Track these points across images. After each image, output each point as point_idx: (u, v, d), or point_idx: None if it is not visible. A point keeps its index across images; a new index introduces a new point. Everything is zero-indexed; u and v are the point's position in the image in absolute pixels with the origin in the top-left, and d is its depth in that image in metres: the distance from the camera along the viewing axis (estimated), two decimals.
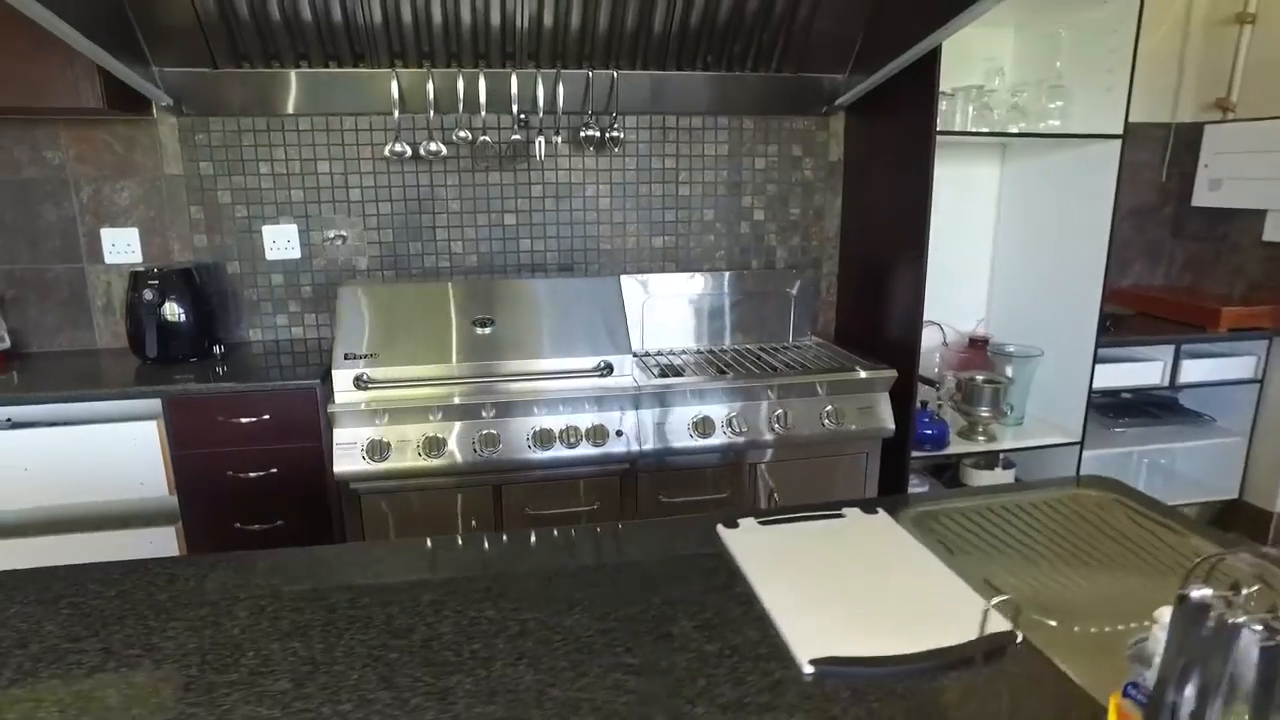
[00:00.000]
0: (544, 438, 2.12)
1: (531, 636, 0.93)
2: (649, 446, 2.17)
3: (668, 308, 2.64)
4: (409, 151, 2.39)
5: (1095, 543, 1.16)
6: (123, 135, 2.41)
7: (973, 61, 2.66)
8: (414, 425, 2.10)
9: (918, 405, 2.46)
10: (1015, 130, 2.55)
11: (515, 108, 2.39)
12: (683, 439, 2.19)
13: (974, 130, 2.50)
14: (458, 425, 2.12)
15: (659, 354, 2.59)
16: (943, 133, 2.39)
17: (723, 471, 2.26)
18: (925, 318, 2.37)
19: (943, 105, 2.46)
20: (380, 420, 2.08)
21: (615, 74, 2.41)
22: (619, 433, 2.18)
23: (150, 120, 2.41)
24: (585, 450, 2.14)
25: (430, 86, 2.31)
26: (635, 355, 2.55)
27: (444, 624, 0.95)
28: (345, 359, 2.09)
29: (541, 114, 2.43)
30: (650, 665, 0.87)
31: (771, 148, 2.71)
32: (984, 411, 2.54)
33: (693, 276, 2.64)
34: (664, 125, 2.64)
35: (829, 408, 2.25)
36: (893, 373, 2.29)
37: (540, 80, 2.36)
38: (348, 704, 0.81)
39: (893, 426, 2.30)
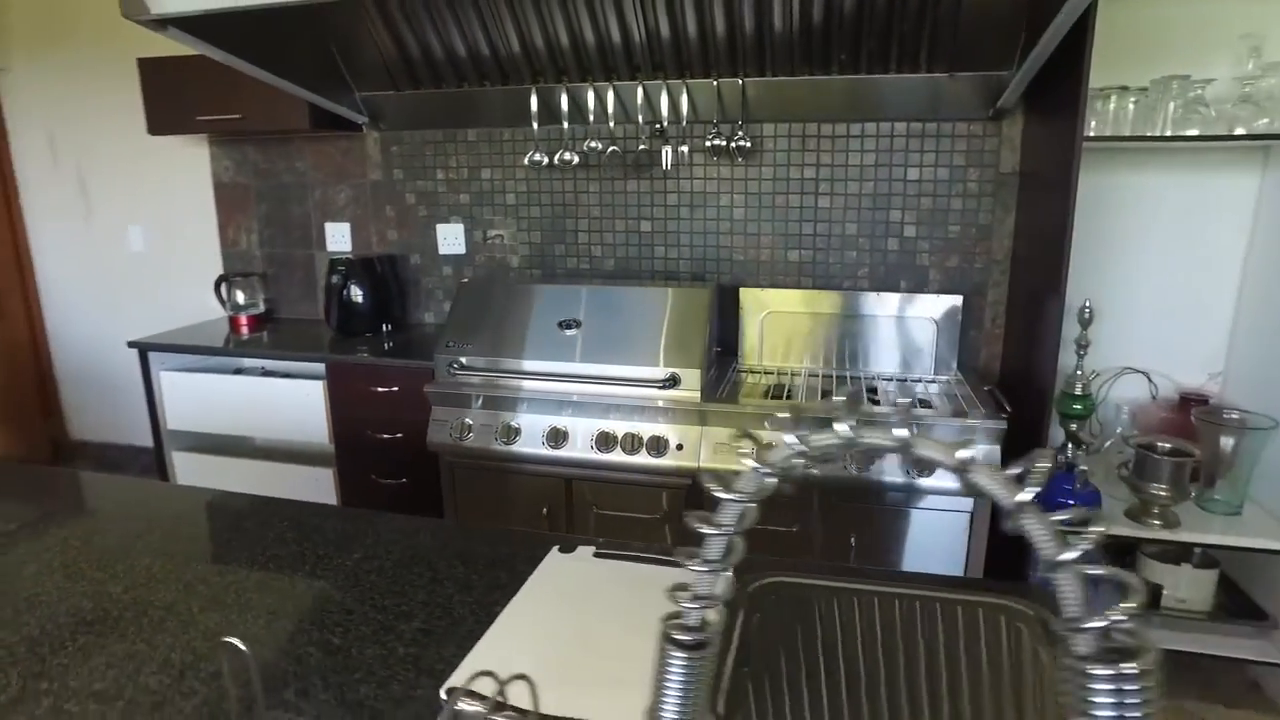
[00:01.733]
0: (606, 441, 2.17)
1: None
2: (708, 465, 2.10)
3: (792, 324, 2.50)
4: (545, 160, 2.57)
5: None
6: (343, 148, 2.94)
7: (1221, 43, 2.10)
8: (494, 412, 2.28)
9: (1058, 465, 2.04)
10: (1257, 130, 1.96)
11: (640, 119, 2.45)
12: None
13: (1166, 135, 1.99)
14: (532, 418, 2.25)
15: (771, 371, 2.46)
16: (1123, 139, 1.95)
17: (793, 508, 2.10)
18: (1134, 364, 1.98)
19: (1129, 103, 2.00)
20: (468, 404, 2.29)
21: (742, 81, 2.34)
22: (679, 446, 2.14)
23: (360, 136, 2.90)
24: (644, 459, 2.14)
25: (564, 100, 2.46)
26: (742, 370, 2.46)
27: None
28: (447, 347, 2.34)
29: (665, 123, 2.45)
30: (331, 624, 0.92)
31: (928, 156, 2.42)
32: (1159, 490, 2.01)
33: (826, 294, 2.46)
34: (804, 133, 2.49)
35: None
36: (999, 423, 1.93)
37: (666, 91, 2.39)
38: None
39: None
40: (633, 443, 2.16)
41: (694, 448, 2.13)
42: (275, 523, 1.27)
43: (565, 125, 2.51)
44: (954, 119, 2.37)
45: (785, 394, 2.22)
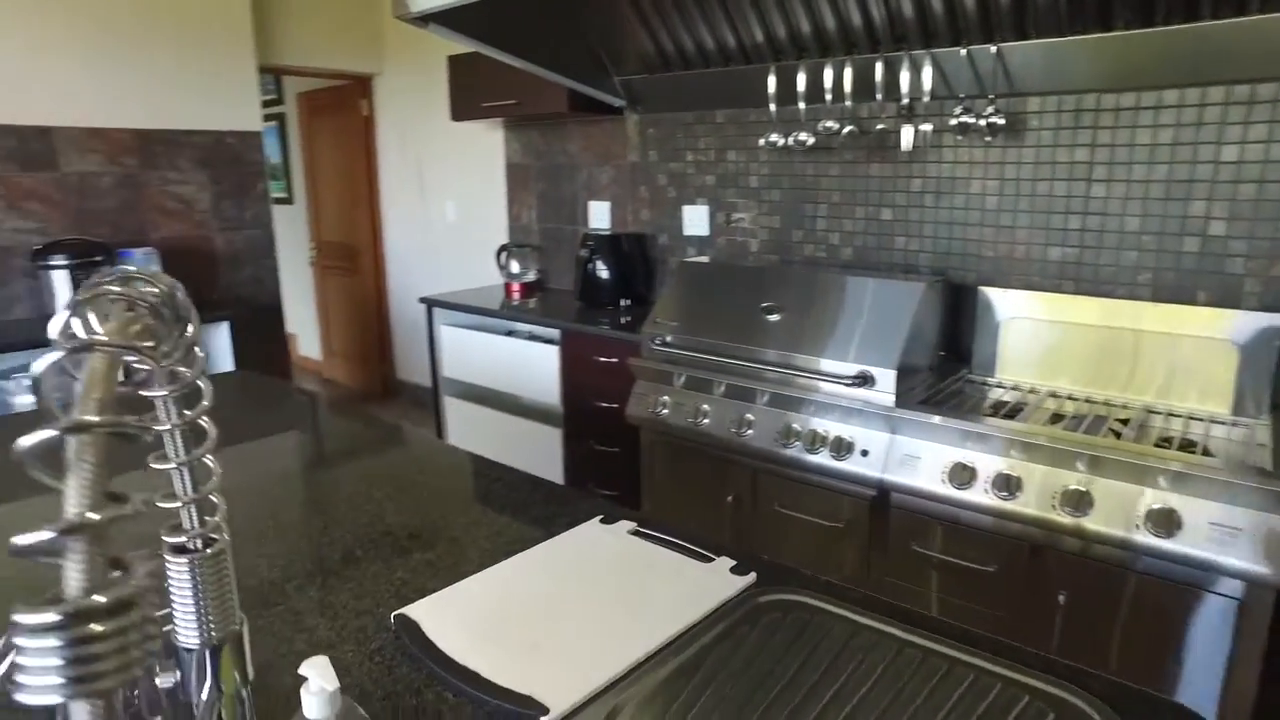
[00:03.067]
0: (789, 434, 2.06)
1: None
2: (893, 478, 1.89)
3: (1043, 334, 2.12)
4: (781, 141, 2.48)
5: None
6: (607, 130, 3.13)
7: None
8: (690, 391, 2.29)
9: None
10: None
11: (880, 95, 2.25)
12: (934, 482, 1.83)
13: None
14: (723, 402, 2.22)
15: (1005, 385, 2.13)
16: None
17: (995, 545, 1.80)
18: None
19: None
20: (668, 380, 2.33)
21: (996, 48, 2.03)
22: (865, 452, 1.95)
23: (622, 119, 3.07)
24: (825, 460, 2.00)
25: (800, 79, 2.35)
26: (970, 380, 2.16)
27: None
28: (655, 323, 2.39)
29: (906, 99, 2.21)
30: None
31: (1255, 129, 1.87)
32: None
33: (1091, 301, 2.05)
34: (1077, 107, 2.08)
35: (1154, 505, 1.57)
36: (1275, 488, 1.45)
37: (908, 61, 2.16)
38: None
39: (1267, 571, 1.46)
40: (814, 440, 2.03)
41: (880, 456, 1.93)
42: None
43: (801, 106, 2.39)
44: None
45: (1012, 413, 1.90)
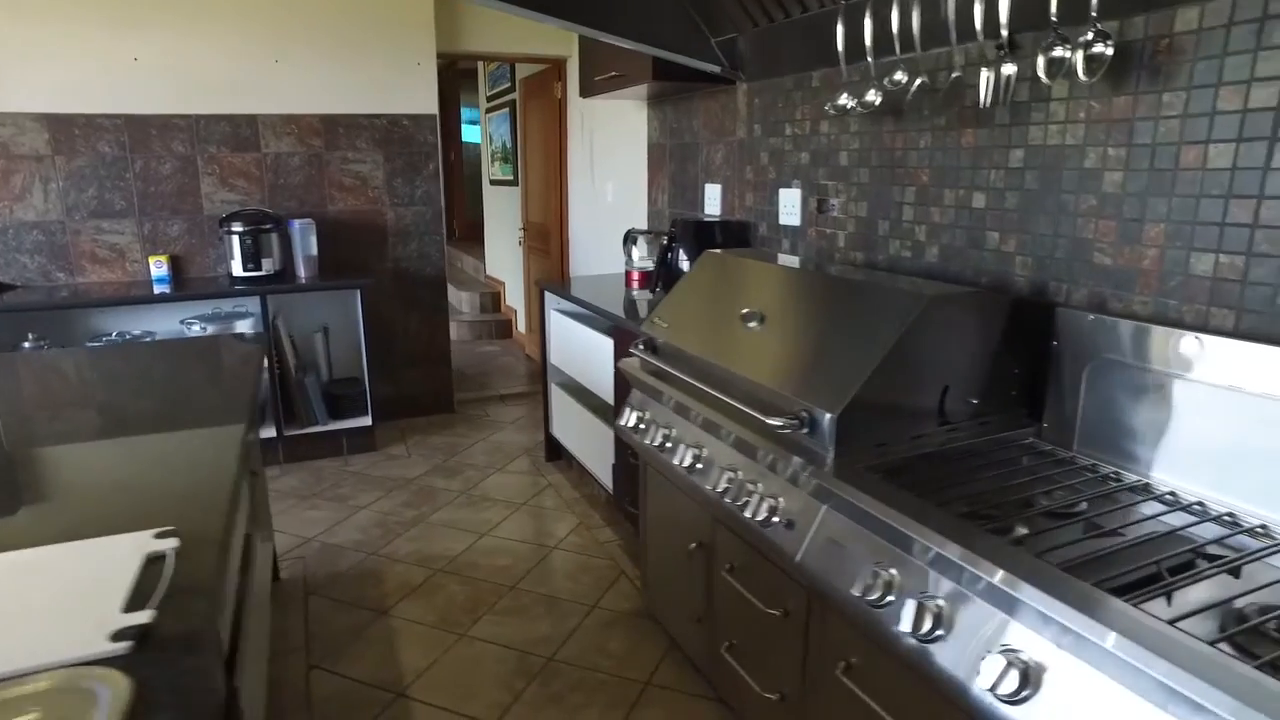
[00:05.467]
0: (737, 488, 1.58)
1: None
2: (815, 567, 1.34)
3: (1158, 394, 1.34)
4: (850, 104, 1.90)
5: None
6: (722, 103, 2.73)
7: None
8: (660, 407, 1.89)
9: None
10: None
11: (953, 35, 1.59)
12: (857, 587, 1.25)
13: None
14: (686, 427, 1.79)
15: (1078, 465, 1.39)
16: None
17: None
18: None
19: None
20: (647, 390, 1.95)
21: None
22: (789, 524, 1.41)
23: (734, 90, 2.64)
24: (759, 525, 1.49)
25: (868, 21, 1.77)
26: (1037, 446, 1.45)
27: None
28: (652, 322, 2.01)
29: (980, 35, 1.52)
30: None
31: None
32: None
33: (1263, 351, 1.23)
34: (1262, 14, 1.25)
35: None
36: None
37: None
38: None
39: None
40: (741, 491, 1.52)
41: (803, 533, 1.38)
42: None
43: (870, 60, 1.81)
44: None
45: (1003, 530, 1.22)
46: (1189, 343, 1.29)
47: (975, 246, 1.81)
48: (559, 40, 4.00)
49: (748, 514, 1.50)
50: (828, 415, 1.36)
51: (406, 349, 3.93)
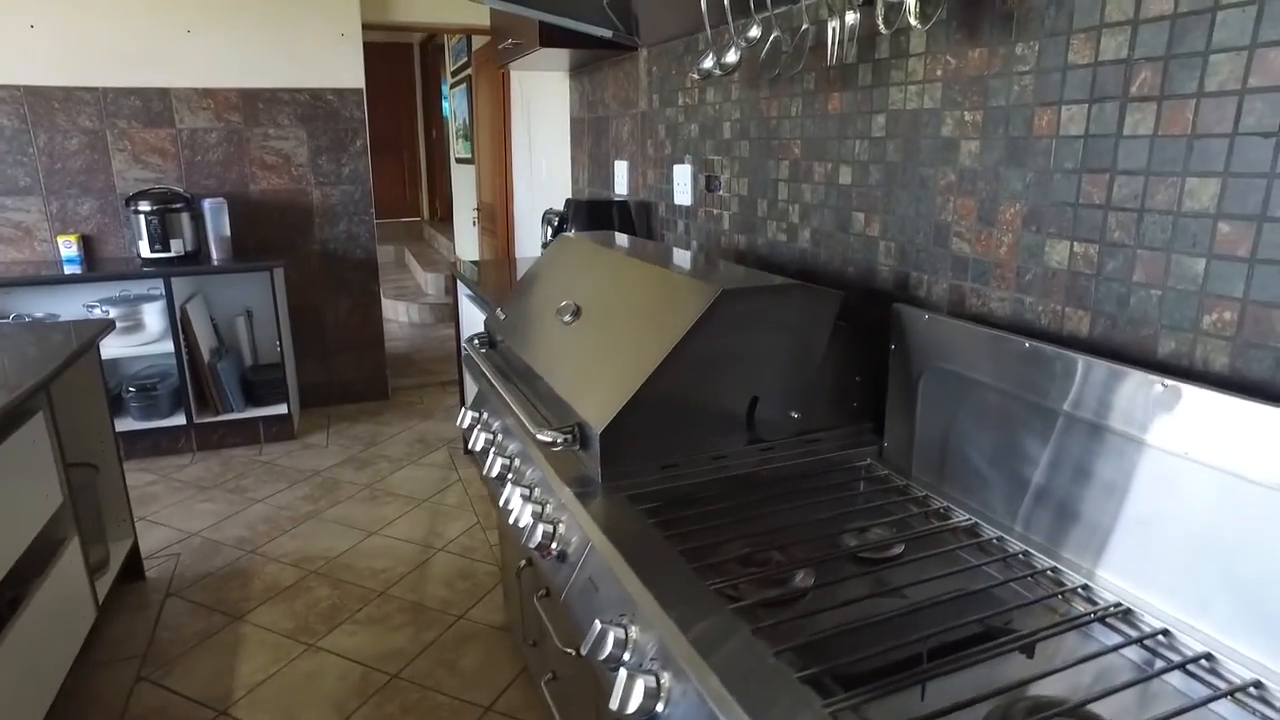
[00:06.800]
0: (521, 503, 1.37)
1: None
2: (576, 616, 1.13)
3: (1071, 443, 1.10)
4: (710, 65, 1.66)
5: None
6: (627, 72, 2.49)
7: None
8: (479, 412, 1.69)
9: None
10: None
11: None
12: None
13: None
14: (492, 436, 1.59)
15: (1010, 553, 1.16)
16: None
17: None
18: None
19: None
20: (476, 382, 1.75)
21: None
22: (561, 555, 1.20)
23: (635, 56, 2.40)
24: (536, 541, 1.28)
25: None
26: (957, 528, 1.22)
27: None
28: (497, 312, 1.80)
29: None
30: None
31: None
32: None
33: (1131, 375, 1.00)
34: None
35: None
36: None
37: None
38: None
39: None
40: (535, 516, 1.32)
41: (572, 565, 1.17)
42: None
43: (729, 20, 1.56)
44: None
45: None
46: (1025, 350, 1.05)
47: (843, 229, 1.56)
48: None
49: (524, 539, 1.29)
50: (596, 429, 1.15)
51: (336, 334, 3.76)
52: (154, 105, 3.26)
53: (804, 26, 1.45)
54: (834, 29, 1.33)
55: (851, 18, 1.30)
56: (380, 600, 2.26)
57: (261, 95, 3.38)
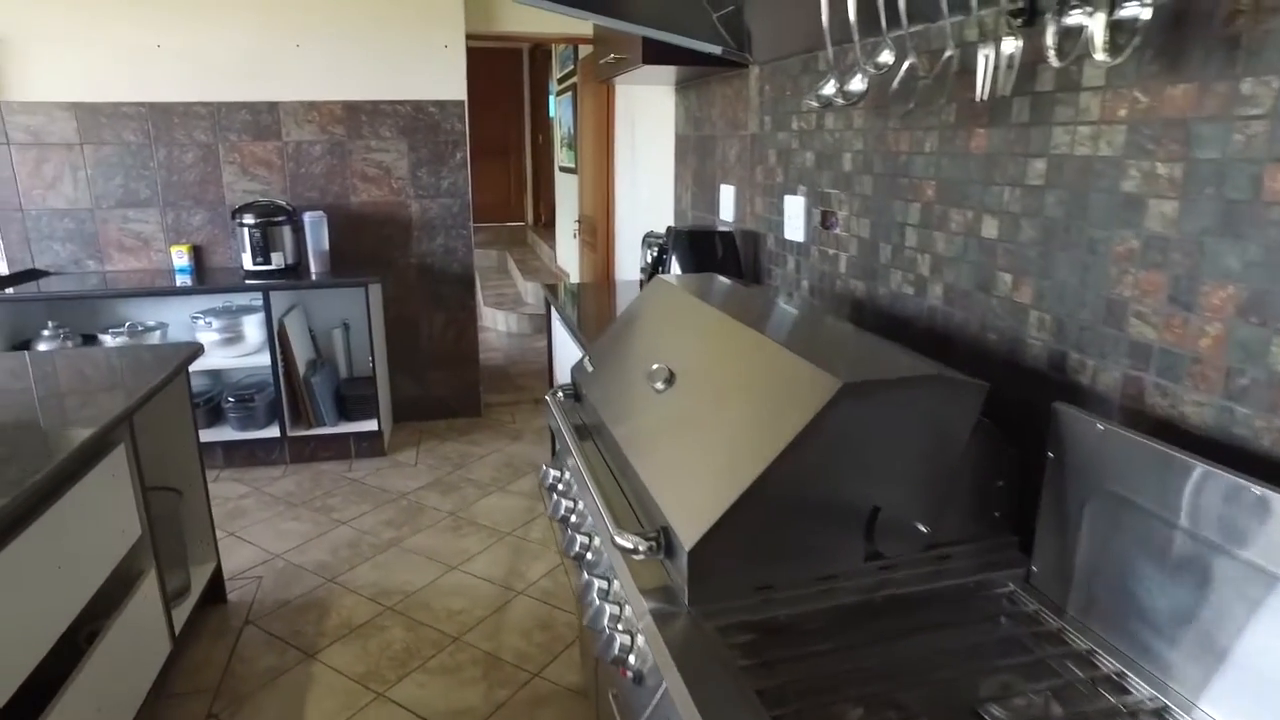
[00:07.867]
0: (598, 600, 1.21)
1: None
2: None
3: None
4: (833, 92, 1.45)
5: None
6: (737, 89, 2.29)
7: None
8: (561, 472, 1.54)
9: None
10: None
11: (944, 4, 1.12)
12: None
13: None
14: (574, 506, 1.43)
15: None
16: None
17: None
18: None
19: None
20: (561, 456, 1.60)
21: None
22: (638, 678, 1.03)
23: (746, 73, 2.20)
24: (614, 654, 1.12)
25: None
26: (1107, 679, 1.00)
27: None
28: (583, 363, 1.64)
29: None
30: None
31: None
32: None
33: None
34: None
35: None
36: None
37: None
38: None
39: None
40: (612, 620, 1.15)
41: (650, 694, 0.99)
42: None
43: (856, 38, 1.35)
44: None
45: None
46: (1243, 494, 0.80)
47: (984, 290, 1.32)
48: None
49: (602, 645, 1.12)
50: (684, 544, 0.97)
51: (431, 348, 3.73)
52: (263, 118, 3.30)
53: (946, 52, 1.22)
54: (986, 56, 1.10)
55: (1010, 44, 1.07)
56: (454, 648, 2.15)
57: (364, 107, 3.37)
